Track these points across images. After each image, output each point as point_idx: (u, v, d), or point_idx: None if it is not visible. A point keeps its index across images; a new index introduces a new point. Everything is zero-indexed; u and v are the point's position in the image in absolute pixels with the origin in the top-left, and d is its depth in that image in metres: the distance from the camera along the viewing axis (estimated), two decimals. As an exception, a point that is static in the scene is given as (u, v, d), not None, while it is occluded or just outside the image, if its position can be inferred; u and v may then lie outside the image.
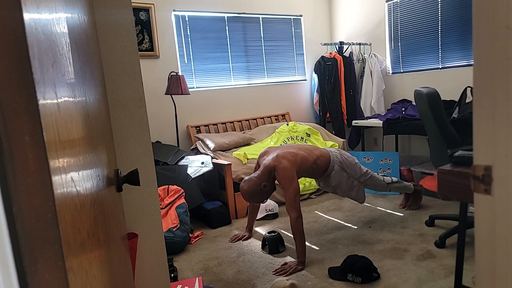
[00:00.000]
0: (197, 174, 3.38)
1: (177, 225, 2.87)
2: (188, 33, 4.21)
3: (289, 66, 5.03)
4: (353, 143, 4.68)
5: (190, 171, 3.42)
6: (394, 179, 3.13)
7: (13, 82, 0.37)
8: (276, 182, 2.96)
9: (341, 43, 4.82)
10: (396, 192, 3.37)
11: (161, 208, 2.98)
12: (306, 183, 3.84)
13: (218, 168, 3.55)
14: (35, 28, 0.41)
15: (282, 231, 3.09)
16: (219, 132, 4.37)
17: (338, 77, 4.68)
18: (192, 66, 4.28)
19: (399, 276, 2.24)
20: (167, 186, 3.12)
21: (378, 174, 3.10)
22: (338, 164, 2.83)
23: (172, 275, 2.30)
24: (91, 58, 0.89)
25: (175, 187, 3.11)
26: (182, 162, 3.57)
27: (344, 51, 4.82)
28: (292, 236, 2.92)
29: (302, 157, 2.70)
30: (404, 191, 3.22)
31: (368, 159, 4.04)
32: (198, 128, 4.28)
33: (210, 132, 4.32)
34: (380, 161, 3.98)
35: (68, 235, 0.43)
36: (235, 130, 4.51)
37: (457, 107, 3.48)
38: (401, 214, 3.25)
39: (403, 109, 4.17)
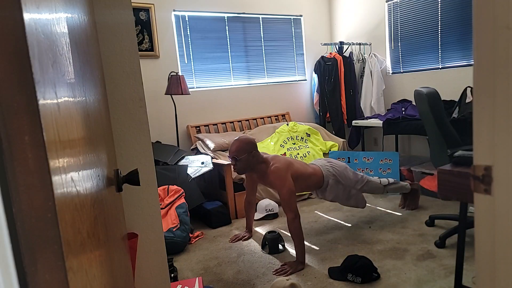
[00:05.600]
0: (197, 174, 3.38)
1: (177, 225, 2.87)
2: (188, 33, 4.21)
3: (289, 66, 5.03)
4: (353, 143, 4.68)
5: (190, 171, 3.42)
6: (391, 180, 3.11)
7: (13, 82, 0.37)
8: (269, 189, 2.92)
9: (341, 43, 4.82)
10: (395, 193, 3.37)
11: (161, 208, 2.98)
12: (306, 183, 3.84)
13: (218, 168, 3.55)
14: (35, 28, 0.41)
15: (282, 231, 3.09)
16: (219, 132, 4.37)
17: (338, 77, 4.68)
18: (192, 66, 4.28)
19: (399, 276, 2.24)
20: (167, 186, 3.12)
21: (374, 177, 3.09)
22: (332, 178, 2.80)
23: (172, 275, 2.30)
24: (91, 58, 0.89)
25: (175, 187, 3.11)
26: (182, 162, 3.57)
27: (344, 51, 4.82)
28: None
29: (297, 168, 2.68)
30: (401, 191, 3.22)
31: (368, 159, 4.04)
32: (198, 128, 4.28)
33: (210, 132, 4.32)
34: (380, 161, 3.98)
35: (68, 235, 0.43)
36: (235, 130, 4.51)
37: (457, 107, 3.48)
38: (401, 214, 3.25)
39: (403, 109, 4.17)
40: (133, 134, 1.40)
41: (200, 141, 4.02)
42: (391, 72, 4.66)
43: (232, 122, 4.53)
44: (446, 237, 2.57)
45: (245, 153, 2.56)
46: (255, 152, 2.60)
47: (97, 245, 0.63)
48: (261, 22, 4.74)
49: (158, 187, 3.05)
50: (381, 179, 3.08)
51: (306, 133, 4.31)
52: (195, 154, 3.86)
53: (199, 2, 4.25)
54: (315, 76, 4.97)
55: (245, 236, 2.99)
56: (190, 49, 4.25)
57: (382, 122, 4.01)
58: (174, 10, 4.10)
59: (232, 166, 2.63)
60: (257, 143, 4.10)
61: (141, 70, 1.41)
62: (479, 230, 0.74)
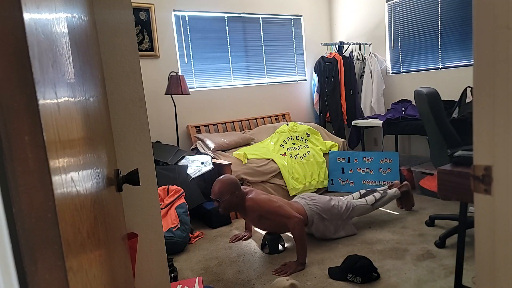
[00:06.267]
0: (197, 174, 3.38)
1: (177, 225, 2.87)
2: (188, 33, 4.21)
3: (289, 66, 5.03)
4: (353, 143, 4.68)
5: (190, 171, 3.42)
6: (377, 195, 3.00)
7: (13, 82, 0.37)
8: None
9: (341, 43, 4.82)
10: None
11: (161, 208, 2.98)
12: (306, 183, 3.84)
13: (218, 168, 3.55)
14: (35, 28, 0.41)
15: (282, 231, 3.09)
16: (219, 132, 4.37)
17: (338, 77, 4.68)
18: (192, 66, 4.28)
19: (399, 276, 2.24)
20: (167, 186, 3.12)
21: (360, 193, 3.04)
22: (316, 216, 2.74)
23: (172, 275, 2.30)
24: (91, 58, 0.89)
25: (175, 187, 3.11)
26: (182, 162, 3.57)
27: (344, 51, 4.82)
28: (292, 236, 2.92)
29: (279, 199, 2.66)
30: (392, 200, 3.11)
31: (368, 159, 4.04)
32: (198, 128, 4.28)
33: (210, 132, 4.32)
34: (380, 161, 3.98)
35: (68, 235, 0.43)
36: (235, 130, 4.51)
37: (457, 107, 3.48)
38: (401, 214, 3.24)
39: (403, 109, 4.17)
40: (133, 134, 1.40)
41: (200, 141, 4.02)
42: (391, 72, 4.66)
43: (232, 122, 4.53)
44: (446, 237, 2.57)
45: (228, 195, 2.54)
46: (238, 192, 2.57)
47: (97, 245, 0.63)
48: (261, 22, 4.74)
49: (158, 187, 3.05)
50: (367, 198, 2.98)
51: (306, 133, 4.31)
52: (195, 154, 3.86)
53: (199, 2, 4.25)
54: (315, 76, 4.97)
55: (245, 236, 2.99)
56: (190, 49, 4.25)
57: (382, 122, 4.01)
58: (174, 10, 4.10)
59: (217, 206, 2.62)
60: (257, 143, 4.12)
61: (141, 70, 1.41)
62: (479, 230, 0.74)
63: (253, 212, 2.56)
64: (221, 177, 2.63)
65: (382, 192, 3.07)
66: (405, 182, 3.27)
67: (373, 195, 3.01)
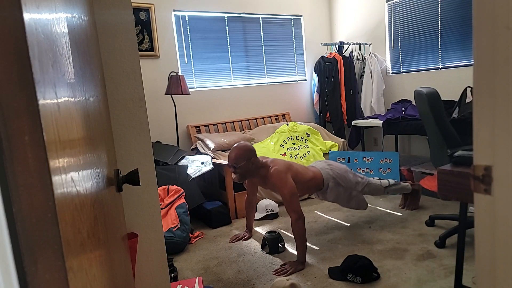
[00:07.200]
0: (197, 174, 3.38)
1: (177, 225, 2.87)
2: (188, 33, 4.21)
3: (289, 66, 5.03)
4: (353, 143, 4.68)
5: (190, 171, 3.42)
6: (391, 181, 3.11)
7: (13, 82, 0.37)
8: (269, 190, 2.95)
9: (341, 43, 4.82)
10: (395, 194, 3.37)
11: (161, 208, 2.98)
12: (306, 183, 3.84)
13: (218, 168, 3.55)
14: (35, 28, 0.41)
15: (282, 231, 3.09)
16: (219, 132, 4.37)
17: (338, 77, 4.68)
18: (192, 66, 4.28)
19: (399, 276, 2.23)
20: (167, 186, 3.12)
21: (374, 178, 3.09)
22: (332, 181, 2.80)
23: (172, 275, 2.30)
24: (91, 58, 0.89)
25: (175, 187, 3.11)
26: (182, 162, 3.57)
27: (344, 51, 4.82)
28: (292, 236, 2.92)
29: (297, 170, 2.69)
30: (402, 192, 3.22)
31: (368, 159, 4.04)
32: (198, 128, 4.28)
33: (210, 132, 4.32)
34: (380, 161, 3.97)
35: (68, 235, 0.43)
36: (235, 130, 4.51)
37: (457, 107, 3.48)
38: (401, 214, 3.25)
39: (403, 109, 4.17)
40: (133, 134, 1.40)
41: (200, 141, 4.02)
42: (391, 72, 4.66)
43: (232, 122, 4.53)
44: (446, 237, 2.57)
45: (244, 161, 2.56)
46: (254, 158, 2.60)
47: (97, 245, 0.63)
48: (261, 22, 4.74)
49: (158, 187, 3.05)
50: (381, 180, 3.07)
51: (306, 133, 4.31)
52: (195, 154, 3.86)
53: (199, 2, 4.25)
54: (315, 76, 4.97)
55: (245, 236, 2.99)
56: (190, 49, 4.25)
57: (382, 122, 4.01)
58: (174, 10, 4.10)
59: (232, 174, 2.64)
60: (257, 143, 4.12)
61: (141, 70, 1.41)
62: (479, 230, 0.74)
63: (271, 185, 2.61)
64: (237, 144, 2.65)
65: (396, 181, 3.17)
66: (417, 183, 3.34)
67: (388, 180, 3.11)
